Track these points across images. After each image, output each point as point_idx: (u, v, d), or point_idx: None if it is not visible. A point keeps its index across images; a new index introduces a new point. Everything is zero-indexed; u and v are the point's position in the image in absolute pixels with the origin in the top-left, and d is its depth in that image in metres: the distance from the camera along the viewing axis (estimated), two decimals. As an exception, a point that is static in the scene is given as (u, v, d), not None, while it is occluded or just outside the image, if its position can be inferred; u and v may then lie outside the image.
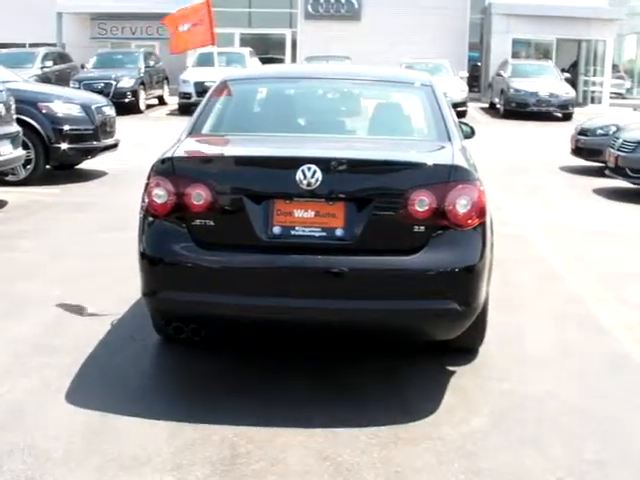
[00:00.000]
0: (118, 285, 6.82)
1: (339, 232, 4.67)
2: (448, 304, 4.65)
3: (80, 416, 4.57)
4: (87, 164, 13.57)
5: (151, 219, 4.87)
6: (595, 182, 13.77)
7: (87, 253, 8.17)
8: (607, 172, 13.16)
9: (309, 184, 4.61)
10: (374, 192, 4.74)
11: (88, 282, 7.15)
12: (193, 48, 18.42)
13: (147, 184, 4.91)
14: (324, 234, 4.68)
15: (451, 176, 4.70)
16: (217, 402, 4.77)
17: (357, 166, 4.89)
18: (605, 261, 8.46)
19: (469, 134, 6.88)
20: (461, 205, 4.66)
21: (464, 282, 4.72)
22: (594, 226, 10.33)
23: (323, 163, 4.65)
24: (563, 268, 8.10)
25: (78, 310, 6.34)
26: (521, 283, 7.41)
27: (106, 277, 7.25)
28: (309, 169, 4.60)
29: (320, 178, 4.60)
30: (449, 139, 5.32)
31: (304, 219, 4.70)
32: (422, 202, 4.62)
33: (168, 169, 4.85)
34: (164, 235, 4.84)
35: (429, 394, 4.95)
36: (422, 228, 4.65)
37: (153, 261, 4.84)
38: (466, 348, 5.45)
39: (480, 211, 4.74)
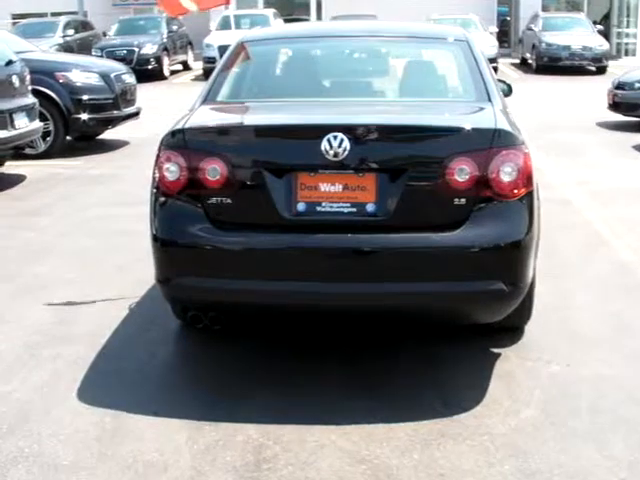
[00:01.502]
0: (137, 265, 6.40)
1: (370, 207, 4.22)
2: (494, 284, 4.19)
3: (92, 416, 4.18)
4: (109, 134, 13.22)
5: (163, 198, 4.44)
6: (634, 138, 13.18)
7: (106, 230, 7.79)
8: (648, 127, 12.63)
9: (336, 154, 4.14)
10: (408, 161, 4.26)
11: (105, 262, 6.77)
12: (207, 8, 17.75)
13: (157, 159, 4.48)
14: (354, 210, 4.23)
15: (494, 141, 4.21)
16: (241, 397, 4.37)
17: (389, 133, 4.40)
18: (651, 224, 7.97)
19: (506, 92, 6.35)
20: (506, 173, 4.18)
21: (511, 260, 4.26)
22: (637, 186, 9.80)
23: (351, 131, 4.18)
24: (608, 233, 7.61)
25: (93, 294, 5.95)
26: (565, 250, 6.93)
27: (125, 256, 6.87)
28: (335, 138, 4.13)
29: (348, 147, 4.14)
30: (489, 99, 4.82)
31: (331, 194, 4.24)
32: (462, 171, 4.15)
33: (179, 142, 4.39)
34: (177, 215, 4.41)
35: (472, 382, 4.52)
36: (463, 200, 4.18)
37: (166, 244, 4.41)
38: (511, 327, 4.99)
39: (527, 179, 4.27)
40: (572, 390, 4.42)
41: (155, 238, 4.45)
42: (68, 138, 12.44)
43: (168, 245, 4.41)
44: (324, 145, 4.14)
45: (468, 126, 4.38)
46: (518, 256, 4.26)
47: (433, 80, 5.46)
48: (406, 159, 4.28)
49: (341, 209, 4.23)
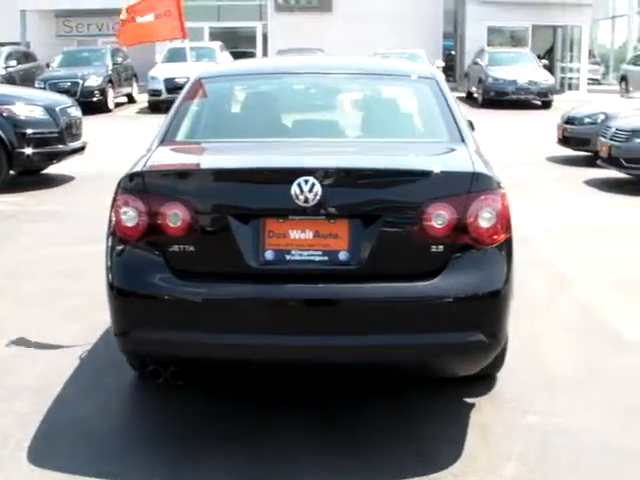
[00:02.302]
0: (88, 309, 6.09)
1: (343, 255, 3.99)
2: (473, 336, 3.99)
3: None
4: (53, 169, 12.81)
5: (120, 244, 4.17)
6: (585, 173, 13.25)
7: (52, 271, 7.44)
8: (599, 162, 12.66)
9: (306, 199, 3.92)
10: (383, 207, 4.05)
11: (53, 306, 6.42)
12: (159, 41, 17.48)
13: (113, 203, 4.21)
14: (325, 258, 4.00)
15: (472, 185, 4.04)
16: (204, 456, 4.09)
17: (363, 177, 4.19)
18: (611, 261, 7.88)
19: (468, 130, 6.20)
20: (484, 219, 4.01)
21: (490, 310, 4.07)
22: (593, 221, 9.80)
23: (323, 174, 3.96)
24: (570, 272, 7.51)
25: (41, 342, 5.63)
26: (531, 291, 6.75)
27: (74, 300, 6.53)
28: (306, 182, 3.91)
29: (319, 192, 3.92)
30: (462, 140, 4.67)
31: (301, 241, 4.01)
32: (440, 217, 3.96)
33: (138, 186, 4.13)
34: (136, 264, 4.14)
35: (447, 435, 4.30)
36: (440, 248, 3.98)
37: (123, 295, 4.13)
38: (483, 375, 4.78)
39: (506, 224, 4.11)
40: (552, 443, 4.24)
41: (111, 287, 4.17)
42: (11, 173, 12.04)
43: (126, 296, 4.13)
44: (294, 189, 3.92)
45: (445, 170, 4.19)
46: (498, 306, 4.08)
47: (403, 120, 5.29)
48: (381, 204, 4.06)
49: (312, 257, 4.00)
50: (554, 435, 4.32)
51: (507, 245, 4.14)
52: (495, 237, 4.06)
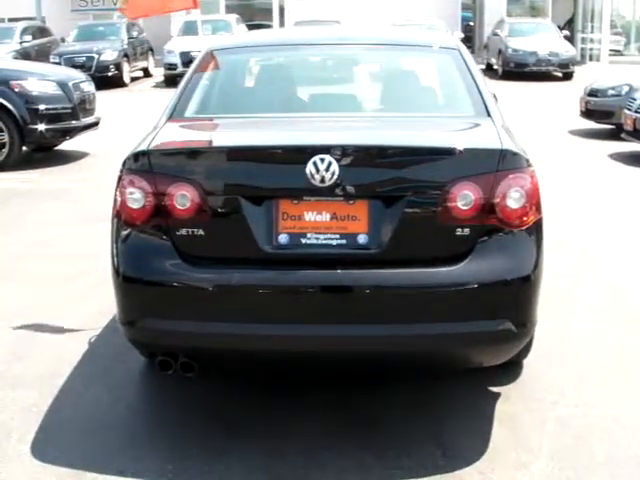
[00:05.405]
0: (98, 291, 5.86)
1: (362, 239, 3.74)
2: (501, 325, 3.74)
3: (49, 476, 3.67)
4: (68, 145, 12.63)
5: (125, 228, 3.93)
6: (609, 146, 12.95)
7: (64, 251, 7.25)
8: (624, 135, 12.41)
9: (323, 179, 3.66)
10: (405, 187, 3.77)
11: (63, 288, 6.24)
12: (169, 11, 17.09)
13: (118, 183, 3.98)
14: (343, 242, 3.75)
15: (500, 163, 3.76)
16: (219, 450, 3.88)
17: (384, 155, 3.90)
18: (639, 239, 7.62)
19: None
20: (513, 199, 3.74)
21: (519, 297, 3.82)
22: (618, 197, 9.53)
23: (341, 152, 3.69)
24: (596, 252, 7.26)
25: (49, 326, 5.43)
26: (556, 272, 6.46)
27: (85, 281, 6.34)
28: (322, 160, 3.65)
29: (337, 171, 3.66)
30: (488, 114, 4.40)
31: (317, 224, 3.76)
32: (466, 197, 3.70)
33: (144, 165, 3.88)
34: (142, 249, 3.91)
35: (472, 428, 4.08)
36: (466, 230, 3.72)
37: (129, 282, 3.90)
38: (509, 362, 4.52)
39: (536, 205, 3.84)
40: (584, 438, 3.99)
41: (117, 274, 3.94)
42: (24, 149, 11.87)
43: (132, 282, 3.90)
44: (309, 168, 3.66)
45: (471, 147, 3.90)
46: (527, 293, 3.83)
47: (425, 93, 5.00)
48: (402, 184, 3.79)
49: (329, 241, 3.75)
50: (586, 430, 4.07)
51: (537, 227, 3.87)
52: (524, 219, 3.79)
